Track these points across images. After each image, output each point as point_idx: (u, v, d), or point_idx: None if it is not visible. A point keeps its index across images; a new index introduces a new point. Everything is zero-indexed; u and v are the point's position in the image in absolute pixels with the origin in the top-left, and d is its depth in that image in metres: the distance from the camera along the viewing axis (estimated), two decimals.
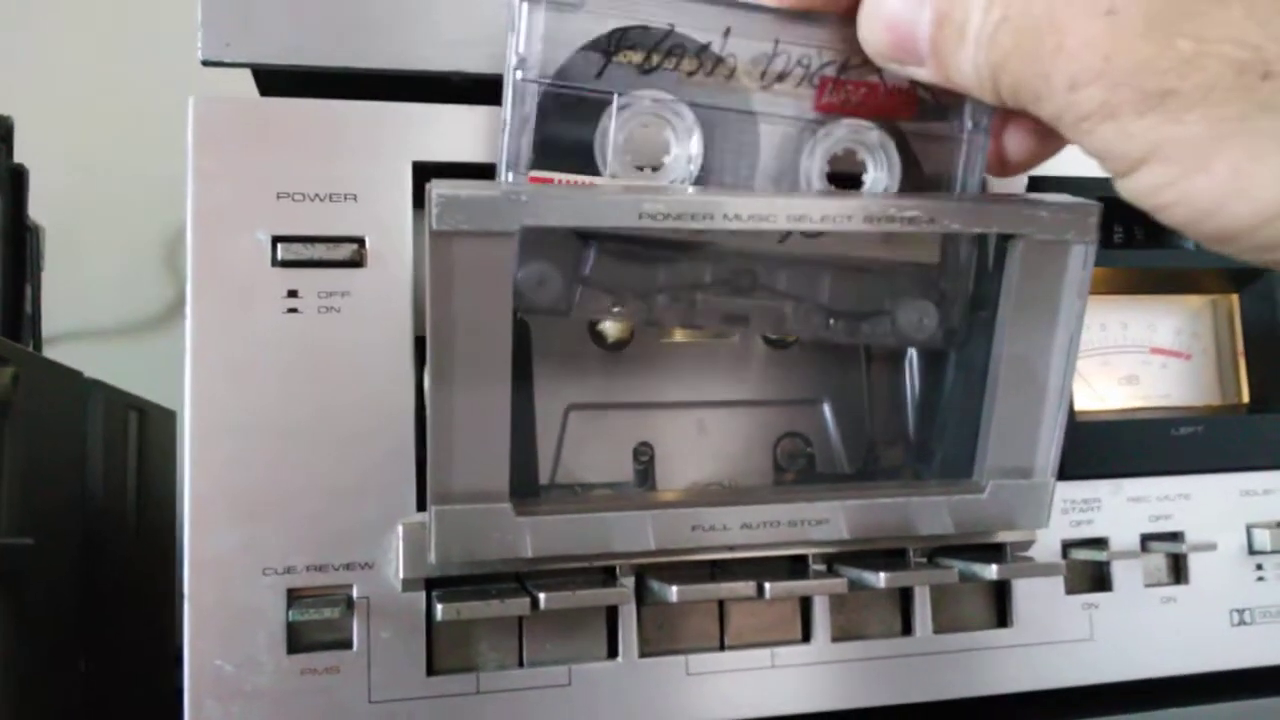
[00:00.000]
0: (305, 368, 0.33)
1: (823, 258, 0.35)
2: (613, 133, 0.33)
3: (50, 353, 0.53)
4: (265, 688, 0.32)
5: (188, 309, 0.33)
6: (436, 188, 0.29)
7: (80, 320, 0.73)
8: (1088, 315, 0.42)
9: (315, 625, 0.32)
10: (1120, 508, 0.39)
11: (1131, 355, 0.43)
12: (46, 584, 0.42)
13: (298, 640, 0.32)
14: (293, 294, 0.33)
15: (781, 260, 0.35)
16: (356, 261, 0.34)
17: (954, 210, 0.32)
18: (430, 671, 0.33)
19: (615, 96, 0.33)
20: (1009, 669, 0.38)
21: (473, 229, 0.29)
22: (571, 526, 0.33)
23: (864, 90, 0.34)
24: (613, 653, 0.35)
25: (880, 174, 0.35)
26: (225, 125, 0.33)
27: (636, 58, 0.33)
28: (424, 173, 0.34)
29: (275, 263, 0.33)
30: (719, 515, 0.34)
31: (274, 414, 0.33)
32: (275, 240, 0.33)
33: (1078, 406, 0.40)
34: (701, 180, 0.34)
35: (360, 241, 0.34)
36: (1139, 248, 0.43)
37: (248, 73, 0.36)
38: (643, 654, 0.35)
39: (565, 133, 0.33)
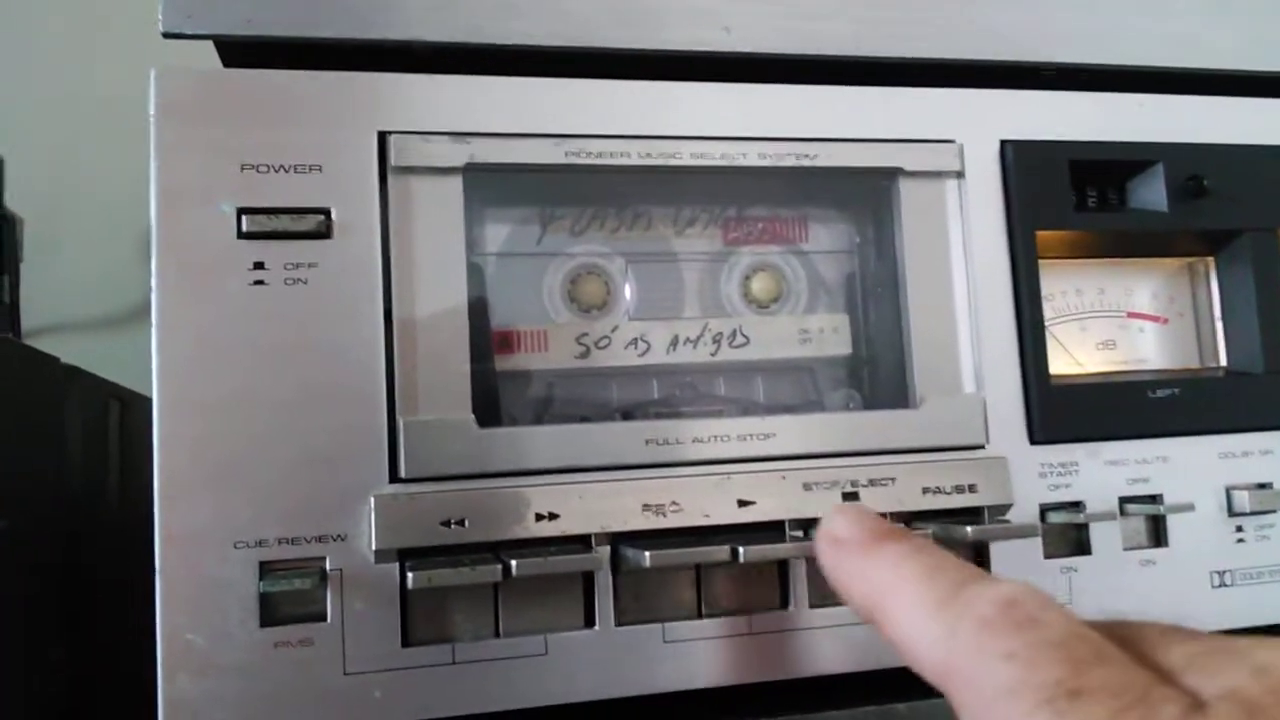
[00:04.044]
0: (273, 340, 0.33)
1: (751, 363, 0.40)
2: (559, 284, 0.39)
3: (31, 345, 0.52)
4: (238, 661, 0.32)
5: (153, 282, 0.32)
6: (394, 135, 0.34)
7: (60, 312, 0.72)
8: (1064, 280, 0.42)
9: (288, 597, 0.32)
10: (1098, 471, 0.39)
11: (1108, 320, 0.43)
12: (22, 570, 0.42)
13: (270, 613, 0.32)
14: (259, 266, 0.33)
15: (716, 369, 0.40)
16: (322, 233, 0.33)
17: (841, 151, 0.38)
18: (405, 643, 0.33)
19: (554, 255, 0.39)
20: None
21: (426, 165, 0.34)
22: (531, 439, 0.34)
23: (761, 223, 0.41)
24: (589, 622, 0.35)
25: (788, 285, 0.41)
26: (188, 97, 0.33)
27: (567, 224, 0.39)
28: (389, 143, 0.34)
29: (240, 235, 0.33)
30: (672, 429, 0.35)
31: (242, 386, 0.32)
32: (240, 212, 0.33)
33: (1054, 371, 0.40)
34: (638, 316, 0.39)
35: (326, 213, 0.34)
36: (1113, 211, 0.43)
37: (211, 46, 0.36)
38: (619, 623, 0.35)
39: (518, 290, 0.39)
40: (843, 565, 0.27)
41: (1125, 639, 0.22)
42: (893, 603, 0.25)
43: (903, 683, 0.37)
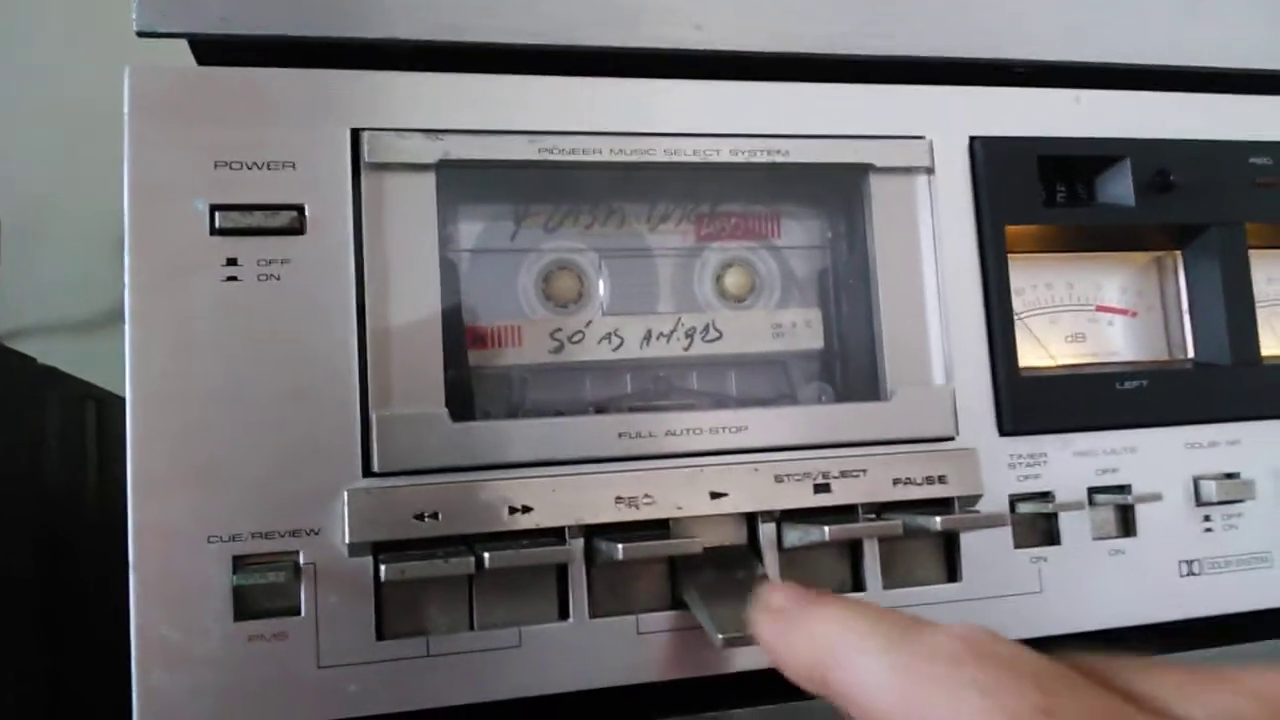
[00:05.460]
0: (246, 336, 0.33)
1: (724, 357, 0.40)
2: (532, 280, 0.39)
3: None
4: (213, 655, 0.32)
5: (126, 279, 0.33)
6: (367, 131, 0.35)
7: (38, 314, 0.72)
8: (1034, 274, 0.43)
9: (262, 591, 0.32)
10: (1067, 462, 0.40)
11: (1078, 313, 0.44)
12: (0, 570, 0.42)
13: (245, 607, 0.32)
14: (232, 262, 0.33)
15: (689, 363, 0.40)
16: (296, 229, 0.34)
17: (812, 148, 0.39)
18: (380, 636, 0.33)
19: (527, 251, 0.40)
20: (959, 622, 0.38)
21: (399, 161, 0.35)
22: (504, 433, 0.35)
23: (734, 219, 0.42)
24: (563, 614, 0.35)
25: (760, 280, 0.41)
26: (162, 94, 0.33)
27: (541, 220, 0.40)
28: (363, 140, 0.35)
29: (214, 231, 0.33)
30: (645, 422, 0.36)
31: (215, 382, 0.33)
32: (213, 209, 0.33)
33: (1023, 363, 0.40)
34: (612, 311, 0.40)
35: (299, 209, 0.34)
36: (1082, 206, 0.43)
37: (186, 46, 0.36)
38: (593, 615, 0.35)
39: (492, 286, 0.39)
40: (783, 630, 0.27)
41: (1094, 672, 0.21)
42: (841, 652, 0.24)
43: None
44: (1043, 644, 0.38)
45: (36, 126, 0.75)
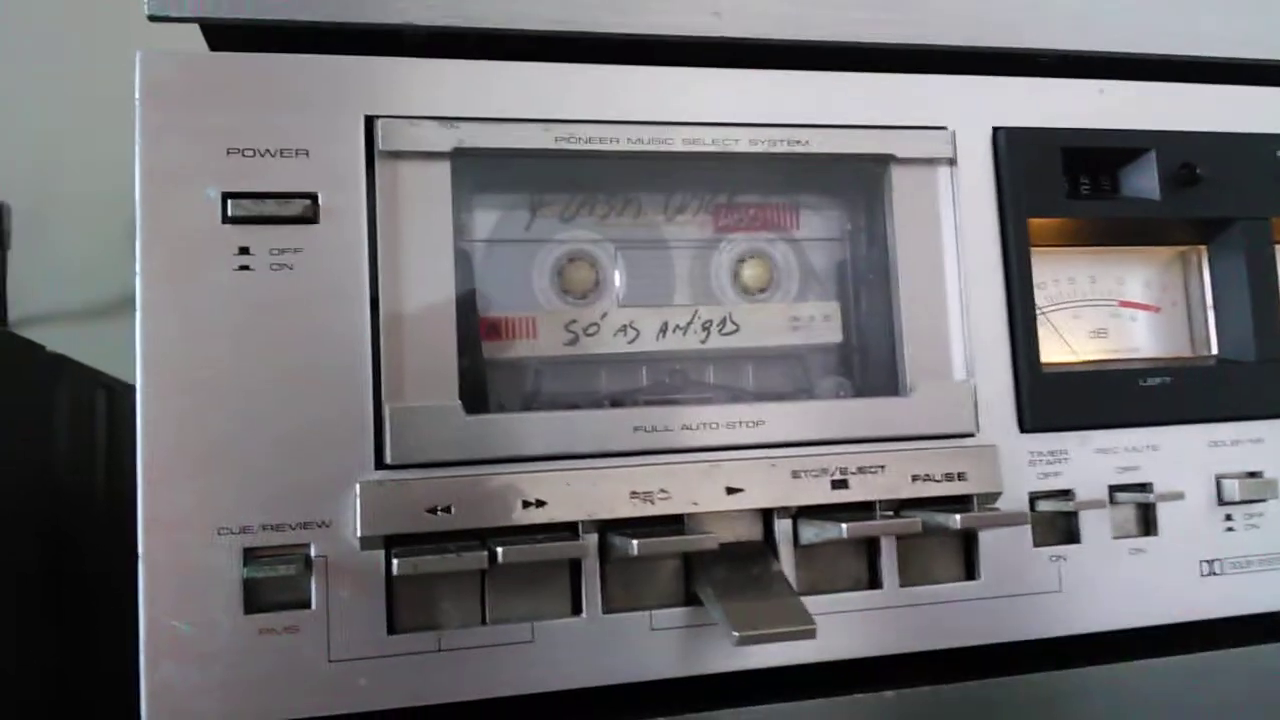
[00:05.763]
0: (258, 326, 0.33)
1: (741, 350, 0.40)
2: (548, 271, 0.39)
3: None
4: (223, 648, 0.31)
5: (137, 267, 0.32)
6: (381, 119, 0.34)
7: (48, 301, 0.72)
8: (1056, 269, 0.42)
9: (272, 584, 0.32)
10: (1088, 459, 0.39)
11: (1101, 308, 0.43)
12: (7, 558, 0.42)
13: (255, 600, 0.32)
14: (244, 251, 0.33)
15: (706, 357, 0.40)
16: (309, 218, 0.33)
17: (832, 138, 0.38)
18: (391, 630, 0.33)
19: (543, 242, 0.39)
20: (976, 621, 0.37)
21: (414, 149, 0.34)
22: (519, 426, 0.34)
23: (752, 210, 0.41)
24: (576, 609, 0.35)
25: (779, 273, 0.41)
26: (173, 80, 0.33)
27: (556, 210, 0.39)
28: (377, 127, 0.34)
29: (226, 219, 0.33)
30: (661, 416, 0.35)
31: (227, 372, 0.32)
32: (225, 197, 0.33)
33: (1045, 359, 0.39)
34: (628, 302, 0.39)
35: (312, 197, 0.33)
36: (1106, 198, 0.42)
37: (198, 31, 0.35)
38: (606, 610, 0.35)
39: (506, 277, 0.39)
40: None
41: None
42: None
43: (890, 670, 0.37)
44: (1061, 644, 0.38)
45: (46, 112, 0.74)
